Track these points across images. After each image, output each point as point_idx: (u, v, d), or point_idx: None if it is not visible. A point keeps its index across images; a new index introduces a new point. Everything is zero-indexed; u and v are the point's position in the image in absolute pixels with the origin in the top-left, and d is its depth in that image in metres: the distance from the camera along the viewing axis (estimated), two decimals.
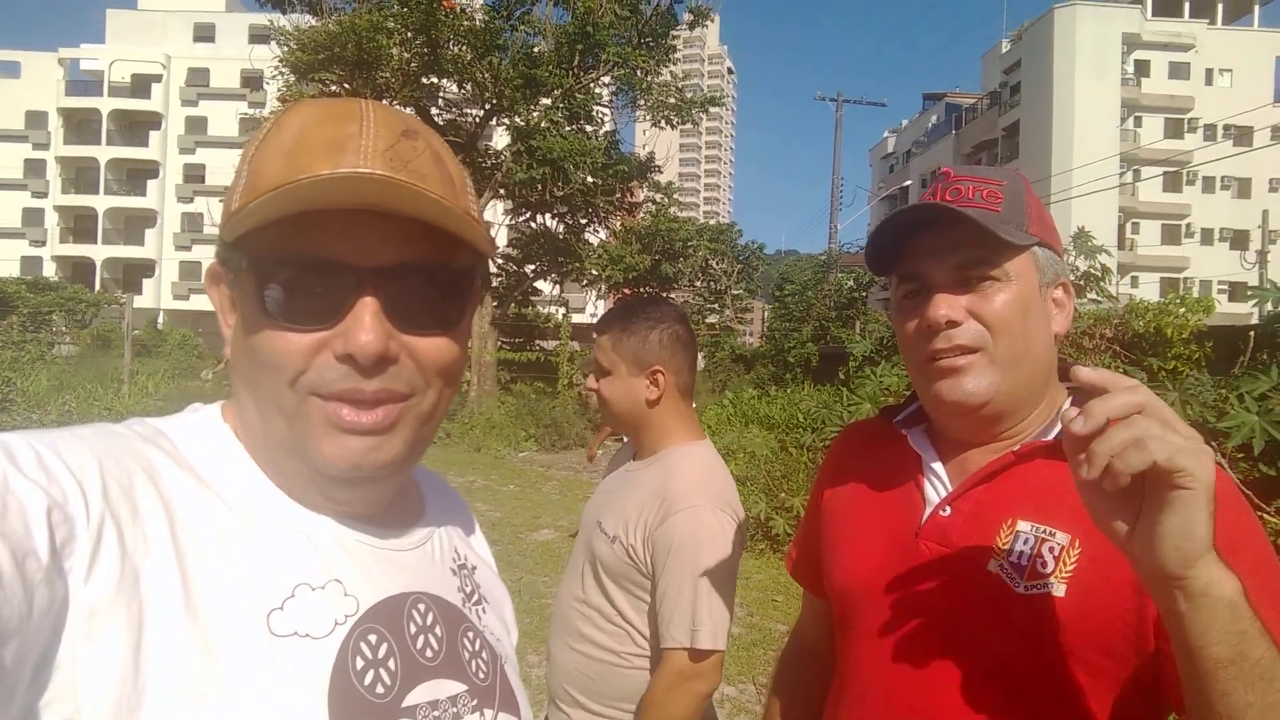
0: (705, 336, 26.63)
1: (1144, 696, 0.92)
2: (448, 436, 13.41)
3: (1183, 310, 7.45)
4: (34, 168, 50.10)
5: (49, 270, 44.87)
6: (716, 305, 27.42)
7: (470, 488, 9.80)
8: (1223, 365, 6.44)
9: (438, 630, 0.71)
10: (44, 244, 48.77)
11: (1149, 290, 33.42)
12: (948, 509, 1.02)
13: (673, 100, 16.47)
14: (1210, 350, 7.26)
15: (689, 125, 17.38)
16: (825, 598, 1.20)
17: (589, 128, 16.54)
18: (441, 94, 17.03)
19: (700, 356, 28.85)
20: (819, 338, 21.10)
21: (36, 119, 50.20)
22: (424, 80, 15.77)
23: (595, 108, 16.45)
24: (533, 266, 18.75)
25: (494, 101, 15.43)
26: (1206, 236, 45.59)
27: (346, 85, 15.00)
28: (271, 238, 0.61)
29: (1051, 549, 0.93)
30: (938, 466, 1.06)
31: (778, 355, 21.56)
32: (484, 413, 14.77)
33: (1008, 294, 0.97)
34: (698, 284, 25.91)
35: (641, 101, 16.64)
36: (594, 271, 18.40)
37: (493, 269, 18.08)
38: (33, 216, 49.34)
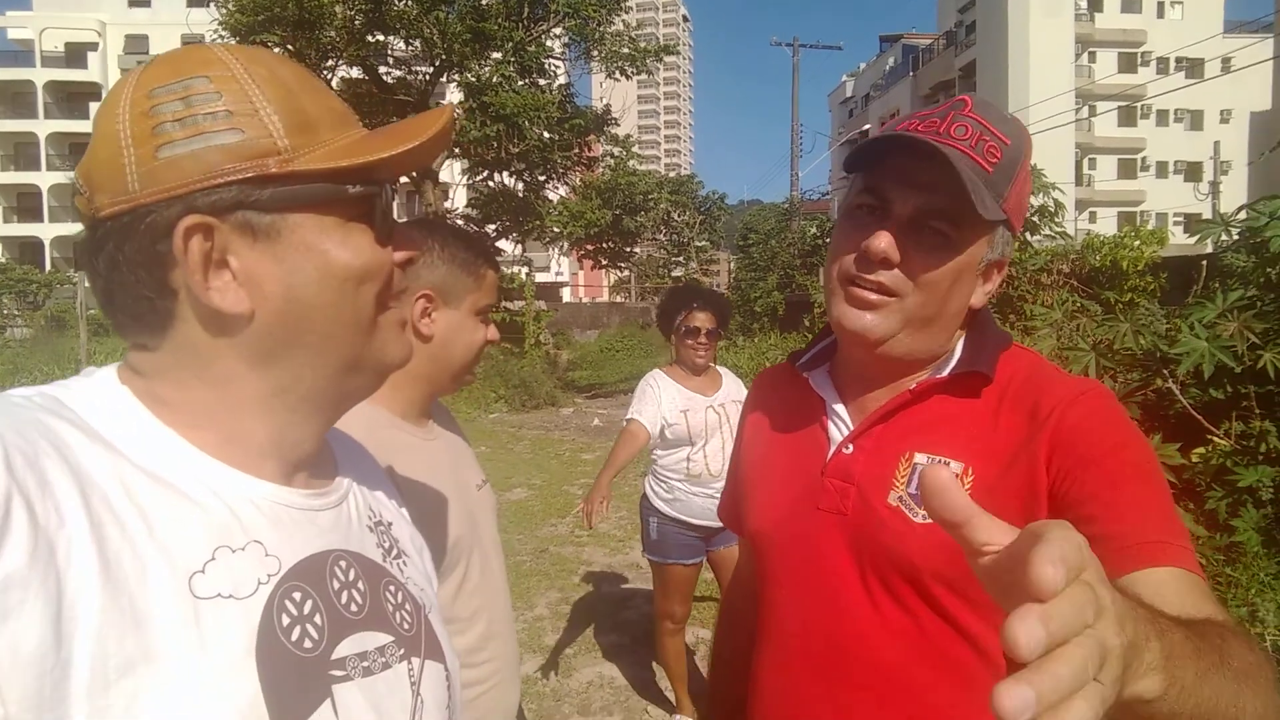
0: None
1: None
2: None
3: (1137, 244, 7.58)
4: None
5: None
6: (681, 258, 27.34)
7: None
8: (1178, 295, 6.58)
9: (360, 585, 0.72)
10: None
11: (1107, 225, 33.92)
12: (850, 446, 1.05)
13: (626, 50, 16.15)
14: (1165, 281, 7.41)
15: (644, 75, 17.10)
16: (745, 538, 1.22)
17: (542, 81, 16.20)
18: (390, 52, 16.56)
19: None
20: (784, 286, 21.14)
21: None
22: (369, 38, 15.31)
23: (547, 61, 16.11)
24: (494, 226, 18.48)
25: (443, 57, 15.05)
26: (1161, 170, 46.20)
27: (290, 47, 14.53)
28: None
29: None
30: (839, 407, 1.10)
31: (744, 305, 21.62)
32: None
33: (948, 259, 0.96)
34: (660, 237, 25.77)
35: (595, 53, 16.31)
36: (555, 229, 18.16)
37: None
38: None
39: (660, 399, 3.42)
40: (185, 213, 0.61)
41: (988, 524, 0.50)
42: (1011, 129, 0.97)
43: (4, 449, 0.54)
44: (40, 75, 47.37)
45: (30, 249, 46.28)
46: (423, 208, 16.46)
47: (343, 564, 0.71)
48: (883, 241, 0.95)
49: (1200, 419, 3.51)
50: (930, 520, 0.92)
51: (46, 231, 47.06)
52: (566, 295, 52.06)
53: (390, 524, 0.84)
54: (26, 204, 47.51)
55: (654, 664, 4.19)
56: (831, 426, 1.09)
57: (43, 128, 47.22)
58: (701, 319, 3.35)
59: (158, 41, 48.07)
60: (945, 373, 1.02)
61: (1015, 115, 1.00)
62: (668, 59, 18.53)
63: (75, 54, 48.10)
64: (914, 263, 0.95)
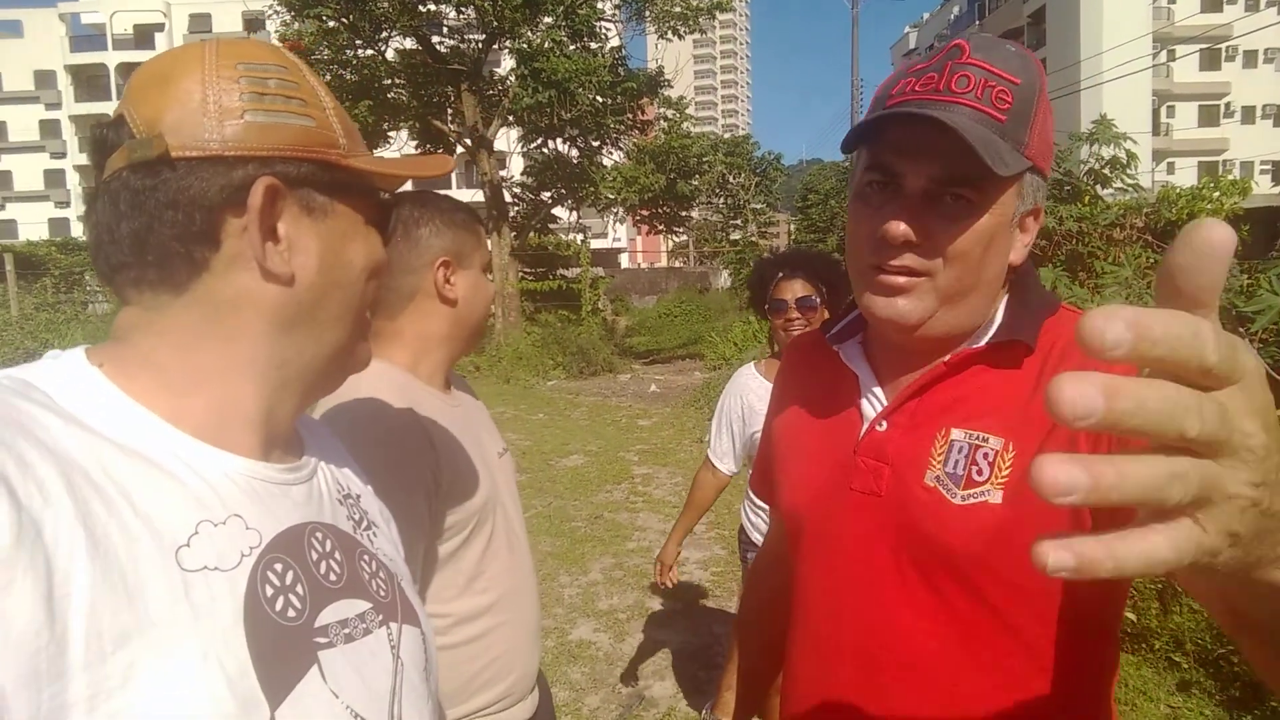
0: (729, 253, 26.30)
1: (1091, 604, 0.90)
2: (477, 370, 13.52)
3: (1217, 195, 7.19)
4: (49, 128, 50.13)
5: (77, 231, 45.33)
6: (738, 221, 26.99)
7: (500, 418, 9.88)
8: (1261, 248, 6.23)
9: (337, 555, 0.75)
10: (68, 205, 49.01)
11: (1186, 176, 32.33)
12: (884, 423, 0.99)
13: (678, 9, 15.83)
14: (1247, 234, 7.02)
15: (699, 34, 16.78)
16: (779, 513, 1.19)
17: (593, 45, 16.03)
18: (443, 21, 16.57)
19: (725, 274, 28.73)
20: (845, 247, 20.66)
21: (45, 78, 49.99)
22: (421, 8, 15.33)
23: (599, 23, 15.92)
24: (549, 193, 18.47)
25: (495, 24, 14.99)
26: (1248, 115, 43.73)
27: (345, 19, 14.66)
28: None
29: (986, 455, 0.90)
30: (872, 381, 1.04)
31: None
32: (510, 344, 14.82)
33: (977, 224, 0.88)
34: (716, 200, 25.43)
35: (646, 12, 16.04)
36: (609, 195, 18.07)
37: (509, 198, 17.87)
38: (54, 178, 49.55)
39: (742, 415, 2.77)
40: (264, 171, 0.67)
41: None
42: (1018, 65, 0.88)
43: None
44: (112, 58, 49.00)
45: None
46: (479, 176, 16.55)
47: (319, 535, 0.74)
48: (900, 226, 0.88)
49: (1277, 378, 3.33)
50: (969, 502, 0.89)
51: None
52: (625, 261, 52.05)
53: (359, 496, 0.87)
54: None
55: (707, 630, 4.20)
56: (864, 402, 1.03)
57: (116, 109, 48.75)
58: (792, 288, 2.52)
59: (220, 20, 49.18)
60: (983, 342, 0.95)
61: (1020, 48, 0.91)
62: (723, 16, 18.12)
63: (143, 35, 49.55)
64: (939, 237, 0.88)
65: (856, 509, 0.98)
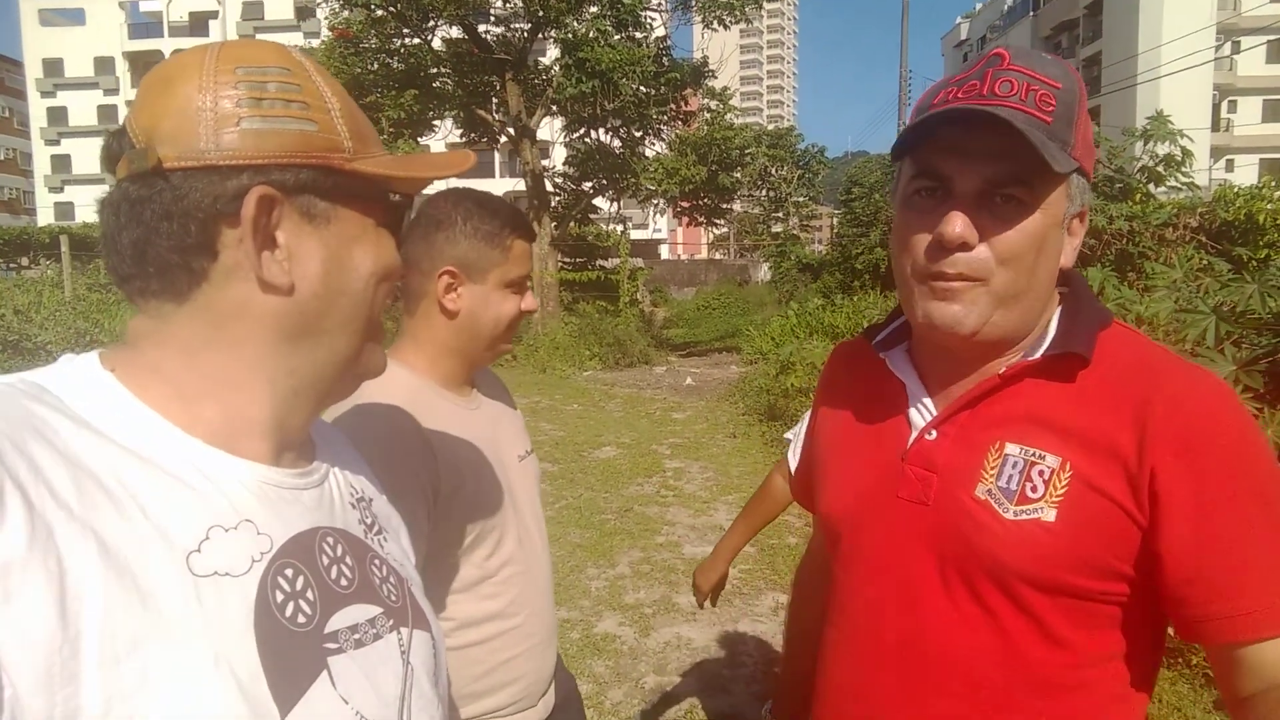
0: (769, 246, 26.09)
1: (1137, 619, 0.90)
2: (514, 359, 13.59)
3: (1278, 194, 6.93)
4: (107, 113, 51.47)
5: None
6: (779, 214, 26.75)
7: (535, 408, 9.96)
8: None
9: (348, 560, 0.75)
10: None
11: (1247, 174, 31.27)
12: (933, 433, 0.98)
13: None
14: None
15: (744, 23, 16.61)
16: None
17: (638, 35, 15.97)
18: (490, 10, 16.63)
19: (765, 267, 28.55)
20: (888, 242, 20.36)
21: (104, 64, 51.34)
22: None
23: (644, 13, 15.84)
24: (590, 184, 18.49)
25: (540, 14, 15.01)
26: None
27: (392, 8, 14.78)
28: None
29: (1041, 472, 0.89)
30: (920, 390, 1.02)
31: (845, 262, 21.01)
32: (548, 334, 14.88)
33: (1029, 225, 0.88)
34: (757, 193, 25.22)
35: (693, 2, 15.92)
36: (650, 186, 18.03)
37: (550, 188, 17.90)
38: None
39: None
40: (259, 181, 0.65)
41: None
42: (1057, 71, 0.88)
43: None
44: (167, 45, 50.13)
45: None
46: (521, 166, 16.61)
47: (330, 540, 0.74)
48: (957, 224, 0.87)
49: None
50: (1022, 518, 0.89)
51: None
52: (665, 252, 51.97)
53: (371, 500, 0.86)
54: None
55: (733, 628, 4.17)
56: (913, 411, 1.02)
57: None
58: None
59: (271, 8, 49.95)
60: (1038, 354, 0.94)
61: (1056, 56, 0.91)
62: (770, 5, 17.91)
63: (198, 23, 50.64)
64: (993, 239, 0.88)
65: (902, 517, 0.98)
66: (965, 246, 0.88)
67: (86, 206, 44.83)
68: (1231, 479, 0.83)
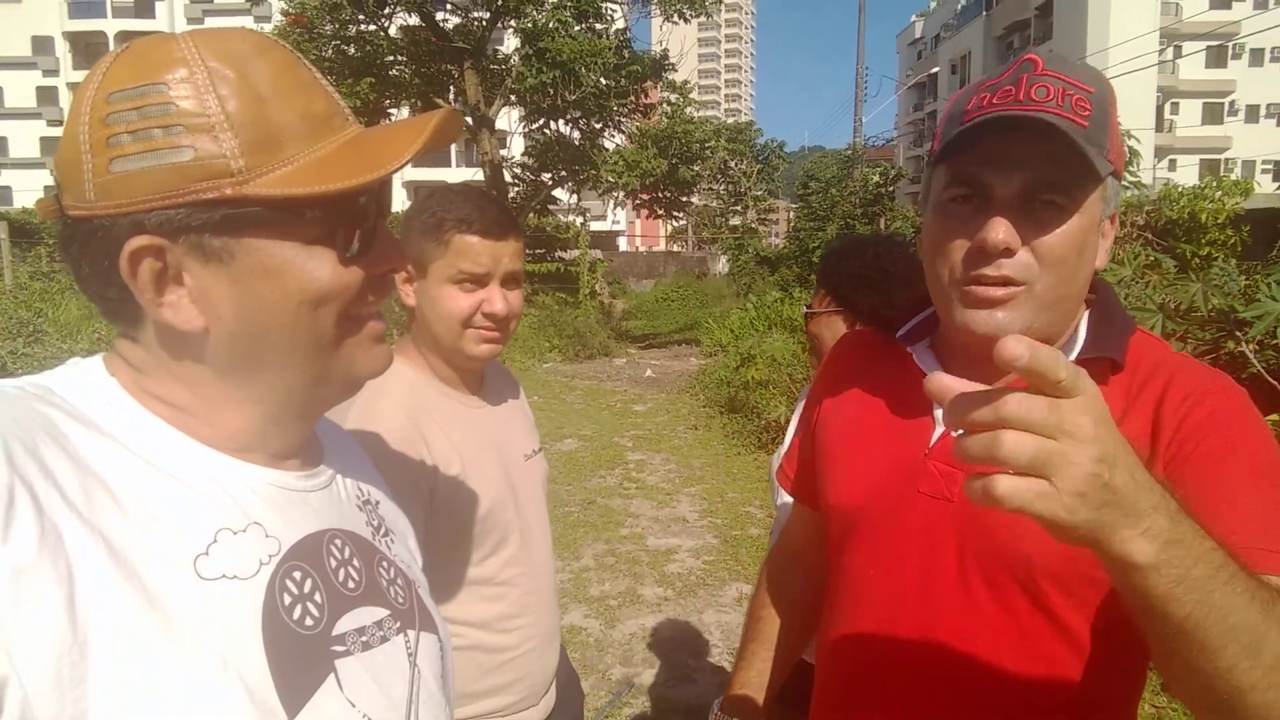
0: (728, 240, 26.23)
1: None
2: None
3: (1219, 194, 7.18)
4: (47, 95, 49.60)
5: None
6: (738, 207, 26.90)
7: None
8: (1262, 250, 6.22)
9: (355, 562, 0.74)
10: None
11: (1188, 174, 32.25)
12: (960, 429, 0.99)
13: None
14: (1248, 235, 7.01)
15: (703, 17, 16.65)
16: (819, 510, 1.18)
17: (599, 26, 15.91)
18: None
19: (724, 260, 28.68)
20: (844, 236, 20.64)
21: (43, 44, 49.44)
22: None
23: (604, 4, 15.78)
24: (549, 175, 18.38)
25: (499, 3, 14.85)
26: (1251, 114, 43.67)
27: None
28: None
29: None
30: None
31: (802, 256, 21.20)
32: None
33: (1070, 228, 0.89)
34: (717, 186, 25.33)
35: None
36: (610, 178, 17.99)
37: (509, 178, 17.75)
38: (51, 145, 48.60)
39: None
40: (134, 232, 0.60)
41: None
42: (1089, 76, 0.90)
43: (3, 440, 0.54)
44: (111, 25, 48.42)
45: None
46: (479, 155, 16.45)
47: (338, 542, 0.73)
48: (1000, 231, 0.87)
49: (1276, 384, 3.33)
50: None
51: None
52: (623, 244, 51.87)
53: (378, 502, 0.86)
54: None
55: (698, 618, 4.22)
56: (937, 406, 1.03)
57: None
58: None
59: None
60: (1071, 357, 0.94)
61: (1086, 61, 0.93)
62: (729, 0, 17.94)
63: (144, 4, 49.01)
64: (1035, 244, 0.89)
65: (922, 511, 0.99)
66: (1008, 252, 0.88)
67: (27, 192, 43.26)
68: (1233, 452, 0.85)
